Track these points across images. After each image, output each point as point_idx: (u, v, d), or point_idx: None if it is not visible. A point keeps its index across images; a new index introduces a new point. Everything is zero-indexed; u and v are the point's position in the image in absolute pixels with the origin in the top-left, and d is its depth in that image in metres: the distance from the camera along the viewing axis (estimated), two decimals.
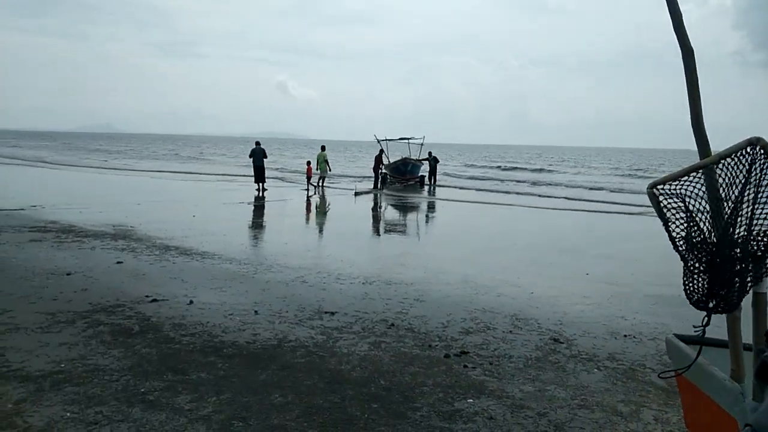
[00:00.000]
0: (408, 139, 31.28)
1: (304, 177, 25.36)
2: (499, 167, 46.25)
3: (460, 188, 28.44)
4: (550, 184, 32.93)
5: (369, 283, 7.91)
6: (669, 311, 7.05)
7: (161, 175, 30.71)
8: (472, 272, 8.97)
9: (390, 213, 18.37)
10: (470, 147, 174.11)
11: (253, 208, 17.37)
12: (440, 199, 22.40)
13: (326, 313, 6.30)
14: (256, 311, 6.23)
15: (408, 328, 5.90)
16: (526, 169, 46.12)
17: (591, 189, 29.63)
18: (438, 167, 30.45)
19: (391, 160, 28.77)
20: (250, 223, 14.51)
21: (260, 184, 23.06)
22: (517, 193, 26.26)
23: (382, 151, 27.47)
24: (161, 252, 9.46)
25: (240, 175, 32.17)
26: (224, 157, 60.65)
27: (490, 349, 5.38)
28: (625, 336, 6.01)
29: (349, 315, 6.25)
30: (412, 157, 30.05)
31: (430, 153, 29.72)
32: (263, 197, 20.58)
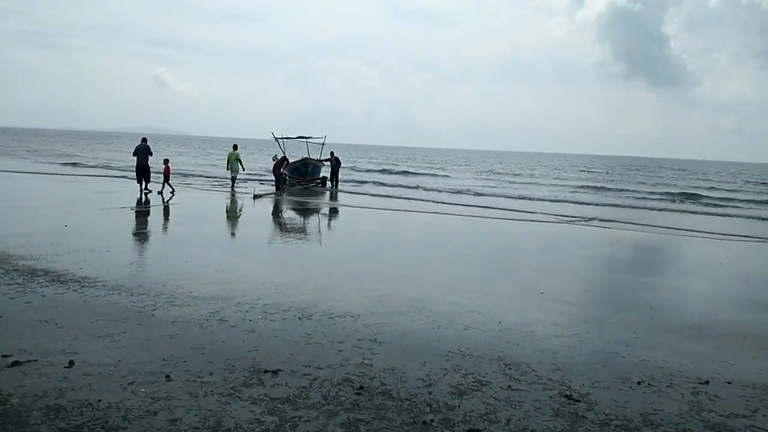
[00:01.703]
0: (307, 138, 29.50)
1: (186, 175, 23.04)
2: (383, 170, 45.45)
3: (365, 193, 27.13)
4: (433, 190, 32.51)
5: (306, 317, 6.33)
6: (656, 341, 6.11)
7: (23, 176, 26.79)
8: (417, 294, 7.64)
9: (298, 220, 16.67)
10: (357, 147, 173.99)
11: (138, 214, 15.01)
12: (349, 206, 20.94)
13: (266, 372, 4.67)
14: (167, 375, 4.49)
15: (383, 391, 4.43)
16: (419, 173, 45.76)
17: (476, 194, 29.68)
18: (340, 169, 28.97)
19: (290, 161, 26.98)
20: (138, 233, 12.26)
21: (144, 185, 20.52)
22: (420, 200, 25.45)
23: (285, 156, 25.61)
24: (25, 280, 7.28)
25: (119, 176, 28.95)
26: (101, 152, 55.50)
27: (502, 421, 4.04)
28: (639, 383, 4.92)
29: (298, 374, 4.67)
30: (312, 158, 28.39)
31: (332, 153, 28.18)
32: (148, 201, 18.10)
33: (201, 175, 32.38)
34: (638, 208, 24.33)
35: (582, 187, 36.45)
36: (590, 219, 18.46)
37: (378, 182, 32.71)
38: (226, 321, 6.05)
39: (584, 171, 64.36)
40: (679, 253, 13.40)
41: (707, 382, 5.05)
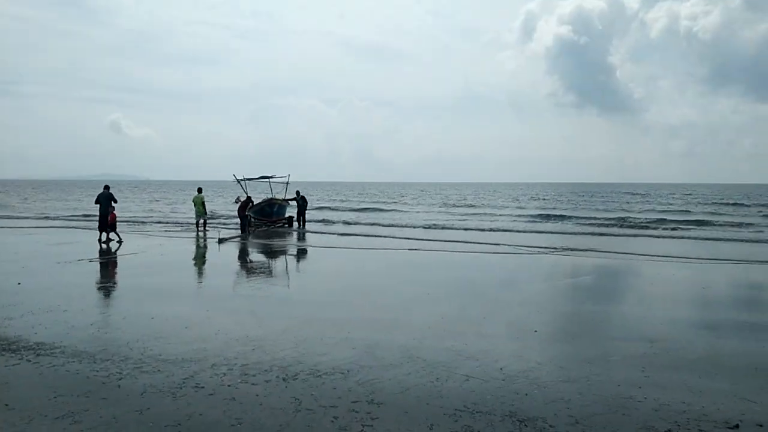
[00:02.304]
0: (269, 177, 28.91)
1: (147, 222, 22.15)
2: (348, 209, 44.91)
3: (333, 233, 26.55)
4: (402, 226, 32.28)
5: (291, 377, 5.74)
6: (668, 380, 5.71)
7: None
8: (407, 341, 7.13)
9: (268, 264, 16.00)
10: (320, 184, 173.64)
11: (98, 266, 14.13)
12: (319, 246, 20.33)
13: None
14: None
15: None
16: (382, 209, 45.44)
17: (443, 228, 29.50)
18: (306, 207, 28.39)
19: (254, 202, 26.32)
20: (98, 288, 11.44)
21: (104, 234, 19.58)
22: (390, 237, 25.06)
23: (249, 197, 24.96)
24: None
25: (75, 226, 27.80)
26: (55, 202, 53.68)
27: None
28: None
29: None
30: (278, 197, 27.79)
31: (298, 192, 27.64)
32: (110, 251, 17.19)
33: (161, 222, 31.37)
34: (599, 235, 24.42)
35: (539, 216, 36.60)
36: (564, 249, 18.29)
37: (346, 221, 32.06)
38: (203, 387, 5.42)
39: (538, 199, 65.21)
40: (659, 279, 13.21)
41: (737, 426, 4.66)
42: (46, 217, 33.48)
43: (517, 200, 62.44)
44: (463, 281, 12.24)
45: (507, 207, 48.44)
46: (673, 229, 26.82)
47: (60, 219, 32.40)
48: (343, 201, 58.89)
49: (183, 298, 10.12)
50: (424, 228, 27.29)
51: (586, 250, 17.89)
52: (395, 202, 57.31)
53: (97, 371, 5.84)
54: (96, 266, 14.03)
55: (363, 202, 57.91)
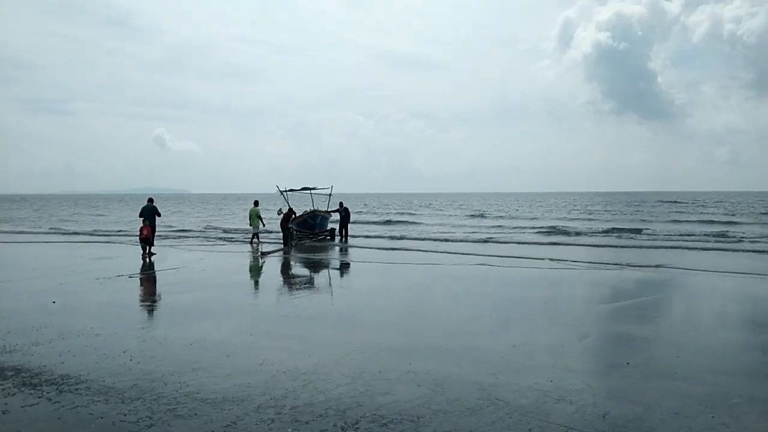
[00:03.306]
0: (311, 189, 28.24)
1: (188, 236, 21.60)
2: (387, 221, 43.55)
3: (380, 248, 25.59)
4: (455, 241, 31.18)
5: (351, 427, 4.77)
6: None
7: (13, 244, 25.43)
8: (481, 376, 6.10)
9: (313, 280, 15.14)
10: (358, 195, 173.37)
11: (137, 283, 13.50)
12: (365, 261, 19.39)
13: None
14: None
15: None
16: (427, 223, 44.32)
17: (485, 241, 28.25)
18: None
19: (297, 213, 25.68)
20: (135, 308, 10.73)
21: (147, 248, 19.13)
22: (444, 252, 24.00)
23: (291, 209, 24.32)
24: None
25: (115, 239, 27.64)
26: (99, 217, 54.43)
27: None
28: None
29: None
30: (320, 209, 27.09)
31: (341, 204, 26.89)
32: (152, 264, 16.63)
33: (201, 235, 31.02)
34: (673, 248, 22.78)
35: (598, 231, 34.87)
36: (630, 265, 16.92)
37: (390, 235, 30.47)
38: None
39: (577, 209, 62.94)
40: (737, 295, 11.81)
41: None
42: (91, 233, 33.57)
43: (573, 208, 60.40)
44: (526, 301, 11.11)
45: (562, 218, 46.65)
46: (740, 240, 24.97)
47: (100, 234, 32.44)
48: (384, 213, 58.03)
49: (224, 320, 9.28)
50: (474, 242, 26.11)
51: (656, 266, 16.49)
52: (438, 213, 56.14)
53: (125, 414, 4.98)
54: (135, 283, 13.40)
55: (403, 213, 56.92)
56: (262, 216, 23.89)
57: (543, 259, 17.85)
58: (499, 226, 36.27)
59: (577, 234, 29.38)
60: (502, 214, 51.56)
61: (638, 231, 29.86)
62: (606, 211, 57.03)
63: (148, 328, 8.75)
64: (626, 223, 36.79)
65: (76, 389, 5.63)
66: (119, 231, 33.16)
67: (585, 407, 5.22)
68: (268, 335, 8.20)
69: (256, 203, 24.03)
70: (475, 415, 5.03)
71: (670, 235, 27.75)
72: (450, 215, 52.29)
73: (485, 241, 25.52)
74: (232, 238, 28.21)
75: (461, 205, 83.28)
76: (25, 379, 5.94)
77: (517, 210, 62.45)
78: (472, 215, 50.46)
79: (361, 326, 8.87)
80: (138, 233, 19.56)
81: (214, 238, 28.40)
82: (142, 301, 11.53)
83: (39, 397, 5.41)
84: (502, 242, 25.02)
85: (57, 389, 5.64)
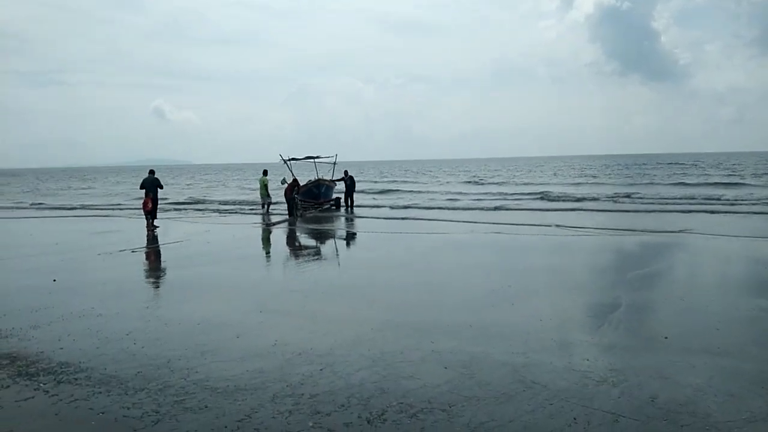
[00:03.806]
0: (315, 157, 27.59)
1: (190, 207, 21.15)
2: (393, 189, 42.85)
3: (388, 217, 25.09)
4: (462, 208, 30.63)
5: (378, 418, 4.33)
6: None
7: (16, 220, 24.99)
8: (510, 356, 5.66)
9: (321, 252, 14.70)
10: (359, 163, 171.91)
11: (141, 257, 13.07)
12: (373, 231, 18.88)
13: None
14: None
15: None
16: (433, 190, 43.73)
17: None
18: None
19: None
20: (138, 285, 10.30)
21: (150, 221, 18.69)
22: (455, 221, 23.50)
23: (295, 179, 23.75)
24: None
25: (116, 211, 27.22)
26: (99, 186, 53.98)
27: None
28: None
29: None
30: (325, 178, 26.52)
31: (345, 172, 26.27)
32: (156, 239, 16.20)
33: (203, 206, 30.55)
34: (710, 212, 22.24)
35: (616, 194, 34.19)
36: (680, 231, 16.43)
37: (396, 204, 29.59)
38: (266, 428, 4.07)
39: (586, 174, 62.16)
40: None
41: None
42: (90, 206, 33.16)
43: (583, 172, 59.63)
44: (545, 270, 10.64)
45: (572, 183, 46.00)
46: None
47: (102, 207, 32.05)
48: (390, 180, 57.44)
49: (232, 296, 8.85)
50: (494, 210, 25.60)
51: (679, 231, 16.00)
52: (445, 180, 55.53)
53: (128, 408, 4.55)
54: (139, 257, 12.96)
55: (408, 181, 56.32)
56: (267, 185, 23.64)
57: (550, 225, 17.33)
58: (501, 193, 35.63)
59: (583, 200, 28.79)
60: (503, 180, 50.80)
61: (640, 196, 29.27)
62: (619, 174, 56.27)
63: (152, 306, 8.31)
64: (638, 187, 36.16)
65: (76, 379, 5.21)
66: (117, 204, 32.71)
67: (630, 390, 4.78)
68: (278, 313, 7.76)
69: (265, 172, 24.12)
70: (512, 401, 4.59)
71: (677, 198, 27.18)
72: (453, 182, 51.60)
73: (496, 209, 24.94)
74: (235, 208, 27.76)
75: (466, 170, 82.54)
76: (20, 369, 5.51)
77: (515, 176, 61.67)
78: (473, 182, 49.72)
79: (375, 301, 8.42)
80: (142, 206, 19.07)
81: (217, 209, 27.92)
82: (146, 277, 11.10)
83: (35, 389, 4.98)
84: (512, 209, 24.46)
85: (55, 379, 5.21)
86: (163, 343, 6.35)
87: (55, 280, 10.12)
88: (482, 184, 46.39)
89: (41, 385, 5.09)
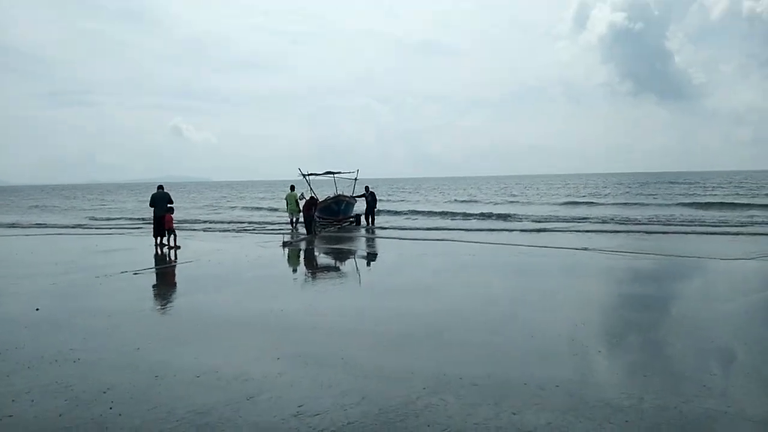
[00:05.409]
0: (335, 173, 26.20)
1: (205, 224, 19.66)
2: (413, 210, 40.96)
3: (413, 238, 23.40)
4: (501, 230, 28.83)
5: None
6: None
7: (18, 232, 23.70)
8: (567, 378, 3.94)
9: (343, 274, 13.08)
10: (375, 180, 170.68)
11: (143, 281, 11.52)
12: (396, 251, 17.22)
13: None
14: None
15: None
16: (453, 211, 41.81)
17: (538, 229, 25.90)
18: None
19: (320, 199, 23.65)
20: (133, 317, 8.58)
21: (159, 239, 17.29)
22: (483, 243, 21.82)
23: (313, 196, 22.28)
24: None
25: (126, 228, 25.88)
26: (129, 201, 53.04)
27: None
28: None
29: None
30: (345, 194, 25.02)
31: (367, 188, 24.76)
32: (164, 257, 14.69)
33: (221, 222, 29.16)
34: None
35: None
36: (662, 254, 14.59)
37: (421, 223, 27.57)
38: None
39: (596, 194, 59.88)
40: None
41: None
42: (96, 219, 31.93)
43: (603, 192, 57.38)
44: (633, 302, 8.91)
45: (600, 203, 43.92)
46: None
47: (111, 226, 30.80)
48: (414, 200, 55.86)
49: (243, 334, 7.23)
50: (539, 231, 23.84)
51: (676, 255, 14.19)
52: (470, 200, 53.77)
53: None
54: (140, 282, 11.40)
55: (427, 198, 54.74)
56: (299, 201, 22.84)
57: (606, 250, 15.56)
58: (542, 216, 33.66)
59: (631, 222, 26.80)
60: (528, 200, 48.68)
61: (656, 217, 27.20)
62: (639, 193, 54.02)
63: (144, 348, 6.68)
64: (658, 209, 33.84)
65: None
66: (122, 219, 31.41)
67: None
68: (300, 360, 6.10)
69: (293, 188, 23.29)
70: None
71: (688, 220, 25.24)
72: (482, 202, 49.70)
73: (539, 230, 23.02)
74: (251, 225, 26.32)
75: (497, 190, 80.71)
76: None
77: (537, 192, 59.66)
78: (507, 201, 47.53)
79: (421, 343, 6.72)
80: (159, 223, 17.57)
81: (236, 225, 26.47)
82: (144, 307, 9.47)
83: None
84: (559, 231, 22.47)
85: None
86: (149, 410, 4.73)
87: (38, 309, 8.65)
88: (514, 203, 44.12)
89: None
